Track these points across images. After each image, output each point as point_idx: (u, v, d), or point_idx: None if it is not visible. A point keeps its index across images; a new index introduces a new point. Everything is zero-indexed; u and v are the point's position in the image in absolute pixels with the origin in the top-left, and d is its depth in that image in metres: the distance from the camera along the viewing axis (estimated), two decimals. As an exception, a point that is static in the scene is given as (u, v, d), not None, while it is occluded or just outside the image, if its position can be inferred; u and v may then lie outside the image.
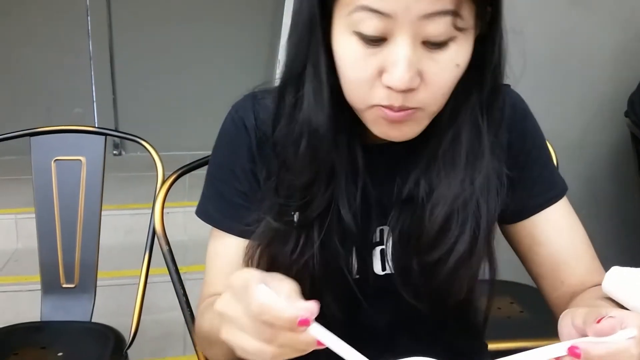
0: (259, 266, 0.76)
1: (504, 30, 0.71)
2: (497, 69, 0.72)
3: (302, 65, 0.70)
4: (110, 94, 3.86)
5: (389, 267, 0.80)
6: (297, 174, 0.72)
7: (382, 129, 0.69)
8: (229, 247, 0.81)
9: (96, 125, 3.66)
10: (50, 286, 1.55)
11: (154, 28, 3.82)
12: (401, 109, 0.65)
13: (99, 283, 1.55)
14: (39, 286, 1.56)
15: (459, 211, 0.73)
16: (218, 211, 0.82)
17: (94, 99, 3.85)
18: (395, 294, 0.79)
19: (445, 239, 0.73)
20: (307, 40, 0.68)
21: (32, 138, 1.54)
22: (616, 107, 2.01)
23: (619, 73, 2.04)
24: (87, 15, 3.74)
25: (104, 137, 1.54)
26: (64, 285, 1.54)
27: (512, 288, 1.56)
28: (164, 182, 1.18)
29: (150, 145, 1.50)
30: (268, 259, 0.76)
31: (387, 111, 0.66)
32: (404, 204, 0.76)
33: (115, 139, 3.56)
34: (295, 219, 0.74)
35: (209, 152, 1.25)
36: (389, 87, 0.64)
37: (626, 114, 1.91)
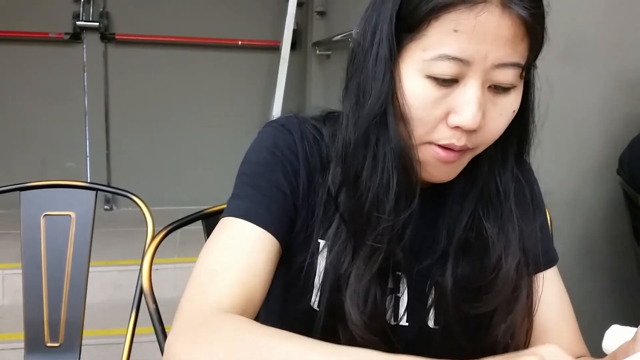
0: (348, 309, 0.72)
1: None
2: (532, 115, 0.76)
3: (381, 105, 0.69)
4: (104, 148, 3.87)
5: (405, 318, 0.77)
6: (392, 213, 0.70)
7: (429, 168, 0.71)
8: (253, 233, 0.72)
9: (88, 180, 3.65)
10: (34, 345, 1.50)
11: (149, 84, 3.87)
12: (461, 148, 0.68)
13: (84, 342, 1.50)
14: (23, 344, 1.52)
15: (515, 257, 0.75)
16: (255, 206, 0.74)
17: (87, 153, 3.85)
18: (407, 346, 0.77)
19: (506, 287, 0.74)
20: (386, 81, 0.68)
21: (22, 192, 1.52)
22: (609, 165, 2.02)
23: (611, 130, 2.05)
24: (84, 71, 3.79)
25: (94, 192, 1.52)
26: (48, 344, 1.49)
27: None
28: (153, 238, 1.16)
29: (141, 200, 1.48)
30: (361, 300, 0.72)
31: (441, 152, 0.68)
32: (459, 250, 0.76)
33: (107, 193, 3.54)
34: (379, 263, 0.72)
35: (202, 207, 1.23)
36: (456, 127, 0.66)
37: (618, 172, 1.91)
